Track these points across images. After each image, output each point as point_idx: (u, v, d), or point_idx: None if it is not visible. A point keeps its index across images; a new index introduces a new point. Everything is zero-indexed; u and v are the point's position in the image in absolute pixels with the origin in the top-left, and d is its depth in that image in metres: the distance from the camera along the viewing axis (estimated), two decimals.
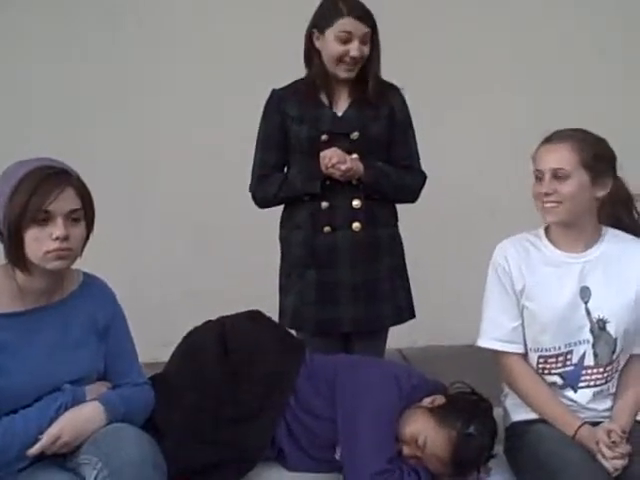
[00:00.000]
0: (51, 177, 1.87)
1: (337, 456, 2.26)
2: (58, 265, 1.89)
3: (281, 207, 2.84)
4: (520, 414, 2.32)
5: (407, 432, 2.23)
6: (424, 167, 2.84)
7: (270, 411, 2.30)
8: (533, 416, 2.28)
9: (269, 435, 2.29)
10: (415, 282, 2.91)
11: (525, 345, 2.30)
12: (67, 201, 1.88)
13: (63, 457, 1.92)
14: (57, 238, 1.85)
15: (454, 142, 4.48)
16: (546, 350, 2.26)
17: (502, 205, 4.43)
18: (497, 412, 2.38)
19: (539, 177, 2.21)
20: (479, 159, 4.53)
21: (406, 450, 2.22)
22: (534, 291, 2.26)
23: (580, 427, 2.16)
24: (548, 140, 2.23)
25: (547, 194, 2.17)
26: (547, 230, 2.33)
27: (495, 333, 2.31)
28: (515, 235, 2.36)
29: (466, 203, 4.53)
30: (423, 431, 2.20)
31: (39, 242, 1.85)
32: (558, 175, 2.17)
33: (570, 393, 2.26)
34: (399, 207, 2.86)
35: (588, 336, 2.23)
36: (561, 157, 2.17)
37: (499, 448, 2.33)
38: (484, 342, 2.34)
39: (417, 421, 2.23)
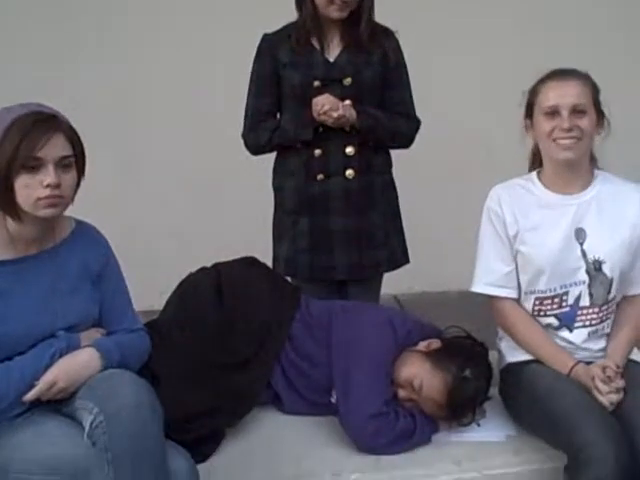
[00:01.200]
0: (41, 123, 1.83)
1: (333, 400, 2.28)
2: (49, 213, 1.87)
3: (274, 154, 2.82)
4: (515, 356, 2.33)
5: (403, 376, 2.24)
6: (420, 110, 2.80)
7: (266, 357, 2.32)
8: (528, 357, 2.30)
9: (264, 380, 2.31)
10: (410, 228, 2.91)
11: (519, 289, 2.31)
12: (57, 147, 1.85)
13: (59, 403, 1.92)
14: (48, 185, 1.83)
15: (450, 82, 4.42)
16: (542, 292, 2.26)
17: (498, 146, 4.37)
18: (492, 355, 2.39)
19: (551, 113, 2.17)
20: (475, 100, 4.48)
21: (402, 393, 2.24)
22: (528, 235, 2.26)
23: (575, 365, 2.18)
24: (558, 76, 2.20)
25: (569, 129, 2.15)
26: (539, 174, 2.32)
27: (488, 278, 2.32)
28: (507, 181, 2.36)
29: (462, 146, 4.49)
30: (419, 374, 2.21)
31: (30, 189, 1.83)
32: (577, 110, 2.15)
33: (566, 333, 2.27)
34: (394, 152, 2.84)
35: (584, 277, 2.23)
36: (580, 92, 2.16)
37: (494, 391, 2.36)
38: (478, 287, 2.34)
39: (413, 365, 2.25)
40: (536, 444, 2.19)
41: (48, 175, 1.83)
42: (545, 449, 2.17)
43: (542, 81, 2.23)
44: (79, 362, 1.91)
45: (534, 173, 2.34)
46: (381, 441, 2.14)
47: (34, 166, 1.82)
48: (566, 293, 2.25)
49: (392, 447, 2.16)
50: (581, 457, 1.93)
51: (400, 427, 2.16)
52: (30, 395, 1.86)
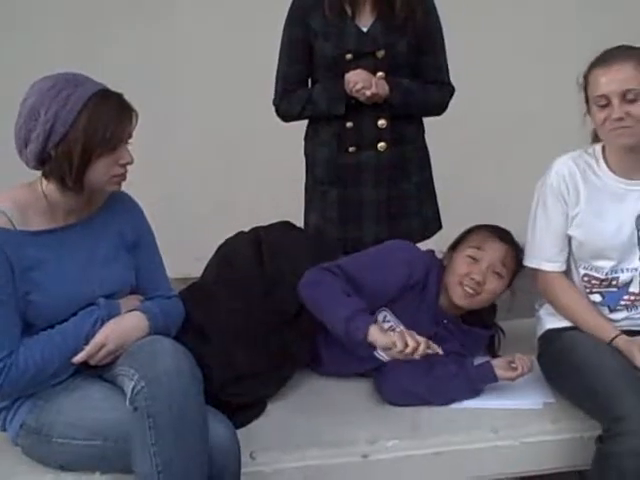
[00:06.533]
0: (123, 104, 1.87)
1: (376, 353, 2.24)
2: (117, 189, 1.95)
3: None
4: (554, 322, 2.31)
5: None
6: (457, 76, 2.75)
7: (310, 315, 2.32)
8: (567, 324, 2.28)
9: (310, 339, 2.33)
10: (446, 194, 2.88)
11: (568, 262, 2.28)
12: (132, 126, 1.90)
13: (101, 369, 1.94)
14: (126, 164, 1.89)
15: (488, 49, 4.34)
16: (591, 270, 2.23)
17: (537, 114, 4.31)
18: (530, 322, 2.40)
19: (602, 104, 2.06)
20: (515, 68, 4.40)
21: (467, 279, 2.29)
22: (588, 219, 2.20)
23: (617, 336, 2.15)
24: (604, 62, 2.08)
25: (619, 119, 2.04)
26: (604, 151, 2.22)
27: (539, 253, 2.29)
28: (572, 153, 2.25)
29: (501, 113, 4.41)
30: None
31: (108, 168, 1.86)
32: (628, 97, 2.04)
33: (605, 311, 2.25)
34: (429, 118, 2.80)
35: (637, 264, 2.19)
36: (628, 77, 2.03)
37: (532, 357, 2.33)
38: (530, 263, 2.32)
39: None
40: (574, 412, 2.17)
41: (127, 154, 1.89)
42: (583, 418, 2.14)
43: (590, 68, 2.11)
44: (128, 324, 1.94)
45: (600, 150, 2.22)
46: None
47: (116, 147, 1.86)
48: (616, 278, 2.22)
49: None
50: (616, 428, 1.92)
51: None
52: (79, 357, 1.88)
